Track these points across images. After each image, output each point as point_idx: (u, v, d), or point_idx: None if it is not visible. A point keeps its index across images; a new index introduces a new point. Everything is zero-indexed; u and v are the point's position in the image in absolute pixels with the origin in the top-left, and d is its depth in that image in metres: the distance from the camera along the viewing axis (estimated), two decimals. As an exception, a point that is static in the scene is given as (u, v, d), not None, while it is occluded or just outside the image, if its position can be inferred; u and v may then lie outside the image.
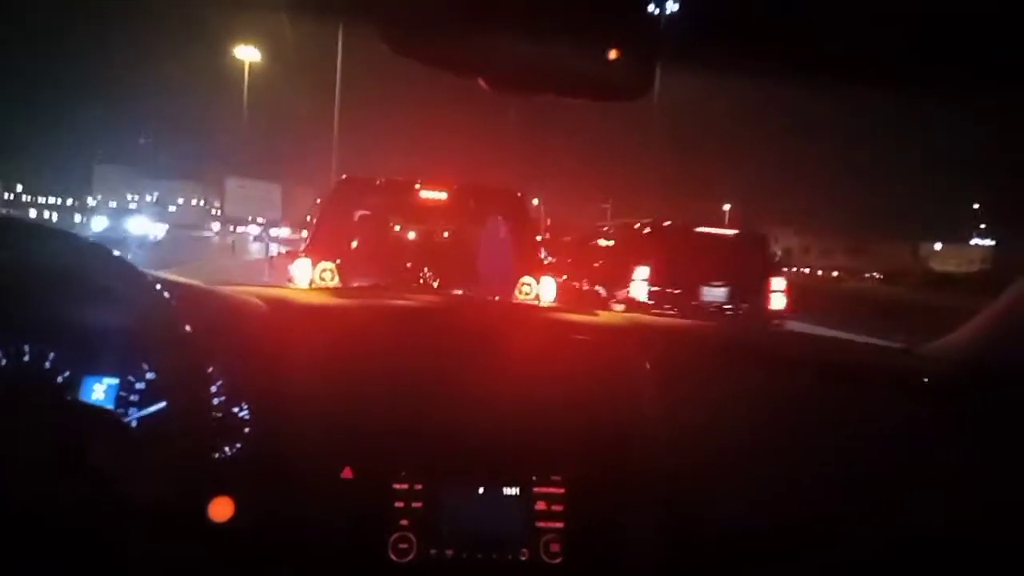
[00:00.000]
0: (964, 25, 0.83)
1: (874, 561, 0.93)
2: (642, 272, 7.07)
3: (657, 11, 0.81)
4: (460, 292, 3.83)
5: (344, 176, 4.75)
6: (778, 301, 7.14)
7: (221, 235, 46.30)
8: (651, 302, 6.99)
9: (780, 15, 0.85)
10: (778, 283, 7.19)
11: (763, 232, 8.33)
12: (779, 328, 6.05)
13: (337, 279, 3.86)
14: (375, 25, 0.79)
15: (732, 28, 0.88)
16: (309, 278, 3.84)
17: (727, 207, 54.41)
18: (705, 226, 7.64)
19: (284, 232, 30.13)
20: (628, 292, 7.13)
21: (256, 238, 28.85)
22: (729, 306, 7.03)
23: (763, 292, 7.10)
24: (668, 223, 7.72)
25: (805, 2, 0.86)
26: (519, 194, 4.73)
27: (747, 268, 7.09)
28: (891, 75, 0.95)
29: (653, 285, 7.04)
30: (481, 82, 0.78)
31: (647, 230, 7.79)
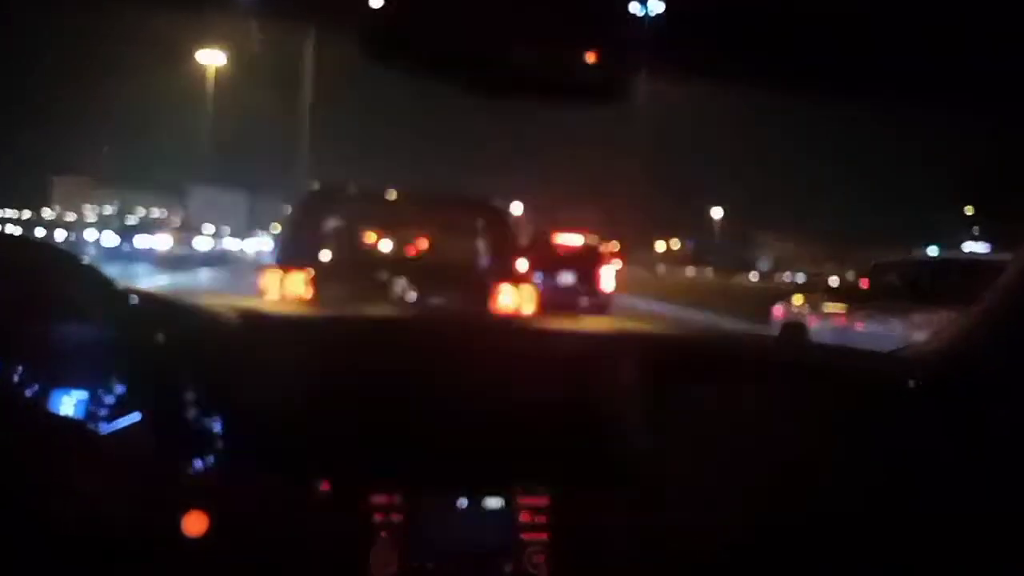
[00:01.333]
0: (952, 30, 0.83)
1: (867, 567, 0.93)
2: (523, 264, 10.70)
3: (641, 12, 0.80)
4: (437, 301, 3.79)
5: (315, 183, 4.69)
6: (607, 284, 11.42)
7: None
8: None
9: (770, 17, 0.83)
10: (607, 272, 11.48)
11: (597, 240, 12.61)
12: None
13: (309, 290, 3.79)
14: (352, 34, 0.78)
15: (721, 30, 0.85)
16: (280, 289, 3.76)
17: (717, 214, 54.30)
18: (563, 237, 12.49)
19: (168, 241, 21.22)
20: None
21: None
22: (576, 285, 10.91)
23: (597, 277, 11.31)
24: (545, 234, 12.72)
25: (794, 7, 0.85)
26: (496, 203, 4.72)
27: (587, 262, 11.29)
28: (887, 81, 0.95)
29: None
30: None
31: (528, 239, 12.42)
